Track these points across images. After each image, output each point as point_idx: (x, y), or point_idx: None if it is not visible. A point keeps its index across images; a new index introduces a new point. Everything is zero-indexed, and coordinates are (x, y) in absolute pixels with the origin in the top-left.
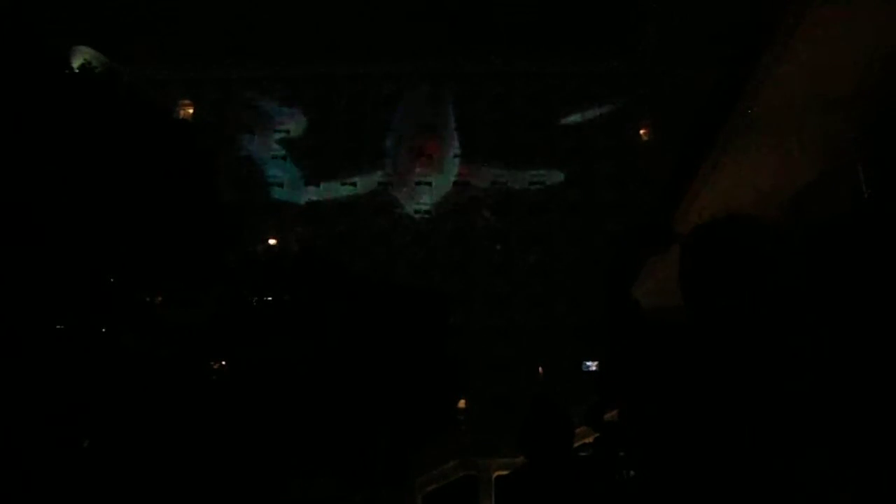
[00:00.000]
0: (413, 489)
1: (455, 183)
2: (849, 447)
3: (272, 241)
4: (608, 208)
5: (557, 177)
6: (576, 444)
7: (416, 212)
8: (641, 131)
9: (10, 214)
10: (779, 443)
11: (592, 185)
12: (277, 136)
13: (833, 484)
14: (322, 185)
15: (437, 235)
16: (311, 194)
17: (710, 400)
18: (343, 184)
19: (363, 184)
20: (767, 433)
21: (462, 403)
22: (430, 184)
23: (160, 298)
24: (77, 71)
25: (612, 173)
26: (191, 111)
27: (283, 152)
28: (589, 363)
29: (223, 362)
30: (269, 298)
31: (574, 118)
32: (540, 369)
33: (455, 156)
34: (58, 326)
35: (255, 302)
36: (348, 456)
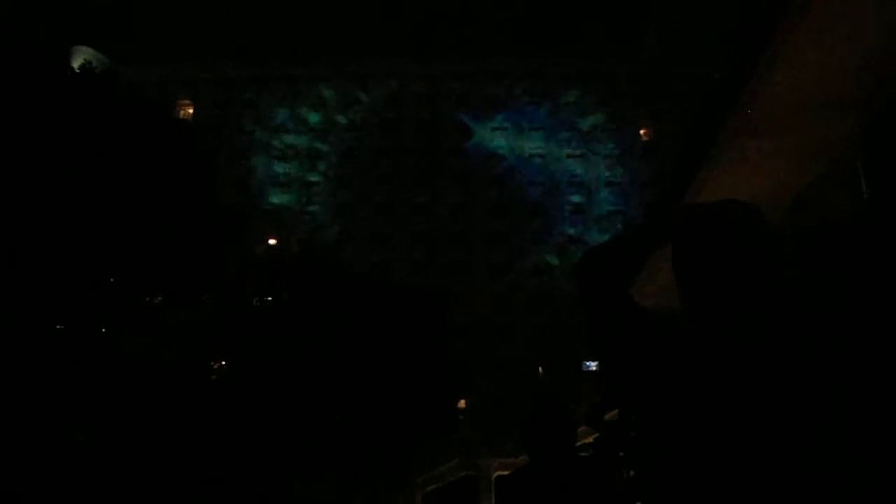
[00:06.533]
0: (413, 489)
1: (456, 182)
2: (849, 447)
3: (272, 241)
4: (608, 208)
5: (558, 177)
6: (576, 444)
7: None
8: (641, 131)
9: (10, 215)
10: (780, 443)
11: (593, 185)
12: (277, 136)
13: (835, 484)
14: (322, 186)
15: (437, 235)
16: (310, 195)
17: (710, 400)
18: (343, 184)
19: (363, 183)
20: (769, 433)
21: (462, 403)
22: None
23: (160, 299)
24: (77, 71)
25: (612, 173)
26: (191, 111)
27: (282, 153)
28: (589, 363)
29: (223, 362)
30: (269, 298)
31: (574, 119)
32: (540, 369)
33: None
34: (58, 327)
35: (255, 302)
36: (348, 456)
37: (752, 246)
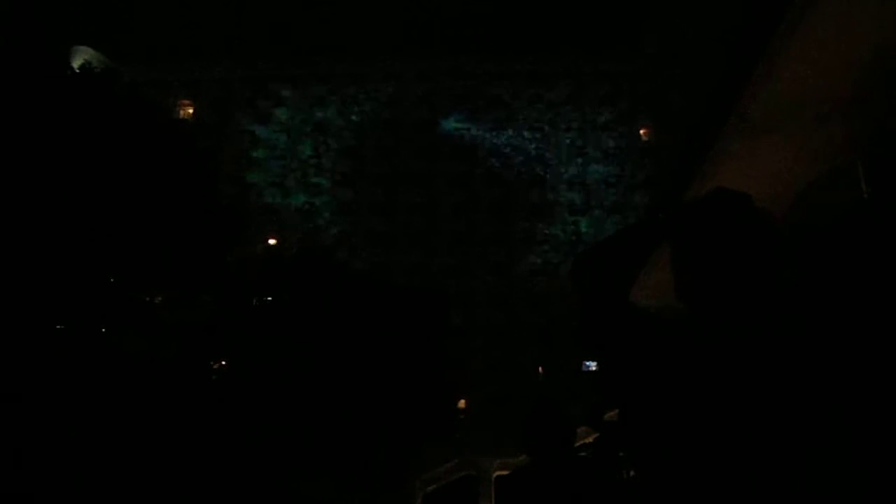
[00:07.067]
0: (413, 489)
1: (456, 182)
2: (849, 448)
3: (272, 241)
4: (608, 208)
5: (558, 177)
6: (576, 444)
7: None
8: (641, 131)
9: (10, 215)
10: (780, 443)
11: (593, 185)
12: (277, 136)
13: (835, 484)
14: (322, 186)
15: (437, 235)
16: (310, 195)
17: (708, 399)
18: (343, 184)
19: (363, 182)
20: (769, 433)
21: (462, 403)
22: None
23: (160, 298)
24: (77, 71)
25: (612, 173)
26: (191, 111)
27: (282, 153)
28: (589, 363)
29: (223, 362)
30: (269, 298)
31: (574, 119)
32: (540, 369)
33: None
34: (57, 327)
35: (255, 302)
36: (348, 456)
37: (743, 235)
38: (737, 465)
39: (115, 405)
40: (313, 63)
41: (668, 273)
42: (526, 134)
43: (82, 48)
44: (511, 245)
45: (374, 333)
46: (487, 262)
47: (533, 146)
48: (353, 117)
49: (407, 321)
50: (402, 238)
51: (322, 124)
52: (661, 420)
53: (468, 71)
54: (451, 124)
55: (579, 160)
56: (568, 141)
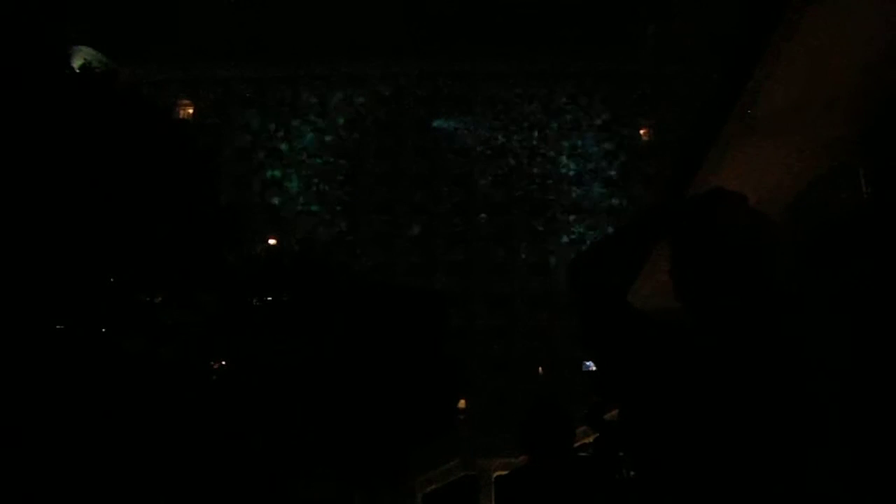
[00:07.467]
0: (413, 489)
1: (455, 182)
2: (849, 448)
3: (272, 241)
4: (608, 208)
5: (558, 177)
6: (576, 444)
7: None
8: (641, 131)
9: (10, 214)
10: (777, 442)
11: (593, 185)
12: (277, 136)
13: (832, 482)
14: (322, 186)
15: (437, 235)
16: (310, 195)
17: (708, 399)
18: (343, 184)
19: (363, 182)
20: (766, 432)
21: (462, 403)
22: None
23: (160, 299)
24: (77, 71)
25: (612, 173)
26: (191, 111)
27: (282, 153)
28: (589, 363)
29: (223, 362)
30: (269, 298)
31: (574, 119)
32: (540, 369)
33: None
34: (58, 327)
35: (255, 302)
36: (348, 456)
37: (740, 235)
38: (736, 465)
39: (116, 405)
40: (313, 63)
41: (666, 273)
42: (526, 133)
43: (82, 48)
44: (511, 245)
45: (373, 333)
46: (487, 262)
47: (533, 146)
48: (353, 117)
49: (407, 322)
50: (403, 238)
51: (322, 124)
52: (660, 420)
53: (468, 71)
54: (450, 124)
55: (579, 160)
56: (568, 140)
